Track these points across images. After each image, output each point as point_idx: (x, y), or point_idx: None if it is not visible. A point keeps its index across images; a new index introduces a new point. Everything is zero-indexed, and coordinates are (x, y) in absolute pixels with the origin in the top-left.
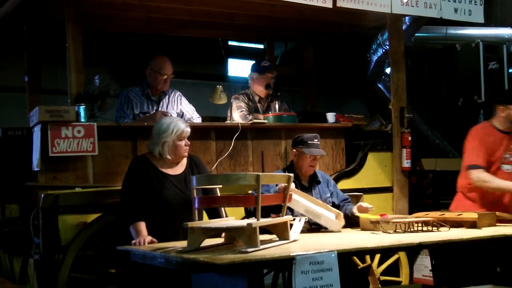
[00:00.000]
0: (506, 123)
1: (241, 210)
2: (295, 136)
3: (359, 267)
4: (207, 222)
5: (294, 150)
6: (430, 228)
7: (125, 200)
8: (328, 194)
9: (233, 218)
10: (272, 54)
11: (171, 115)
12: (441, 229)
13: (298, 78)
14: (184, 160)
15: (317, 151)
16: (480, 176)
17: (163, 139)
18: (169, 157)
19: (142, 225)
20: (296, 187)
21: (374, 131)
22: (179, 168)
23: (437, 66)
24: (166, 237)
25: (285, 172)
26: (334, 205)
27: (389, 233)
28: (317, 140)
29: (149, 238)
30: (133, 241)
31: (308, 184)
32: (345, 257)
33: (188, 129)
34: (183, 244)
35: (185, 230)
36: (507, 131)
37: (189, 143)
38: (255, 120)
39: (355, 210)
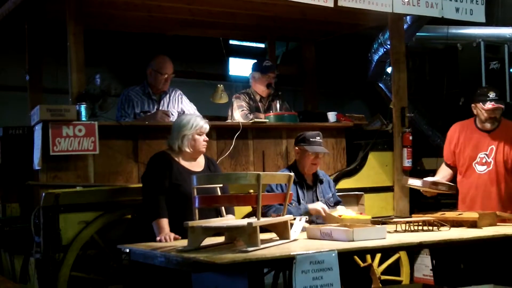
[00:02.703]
0: (480, 122)
1: (242, 210)
2: (297, 135)
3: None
4: (207, 221)
5: (297, 148)
6: (430, 227)
7: (147, 196)
8: (330, 195)
9: (233, 217)
10: (273, 54)
11: (172, 114)
12: (441, 228)
13: (299, 78)
14: (202, 160)
15: (319, 149)
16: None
17: (183, 133)
18: (188, 150)
19: (165, 222)
20: (301, 186)
21: (375, 130)
22: (198, 166)
23: (438, 65)
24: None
25: (289, 171)
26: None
27: (389, 232)
28: (319, 138)
29: (172, 235)
30: (158, 238)
31: (312, 183)
32: (347, 256)
33: (207, 126)
34: (183, 243)
35: None
36: (485, 129)
37: (207, 139)
38: (256, 120)
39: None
